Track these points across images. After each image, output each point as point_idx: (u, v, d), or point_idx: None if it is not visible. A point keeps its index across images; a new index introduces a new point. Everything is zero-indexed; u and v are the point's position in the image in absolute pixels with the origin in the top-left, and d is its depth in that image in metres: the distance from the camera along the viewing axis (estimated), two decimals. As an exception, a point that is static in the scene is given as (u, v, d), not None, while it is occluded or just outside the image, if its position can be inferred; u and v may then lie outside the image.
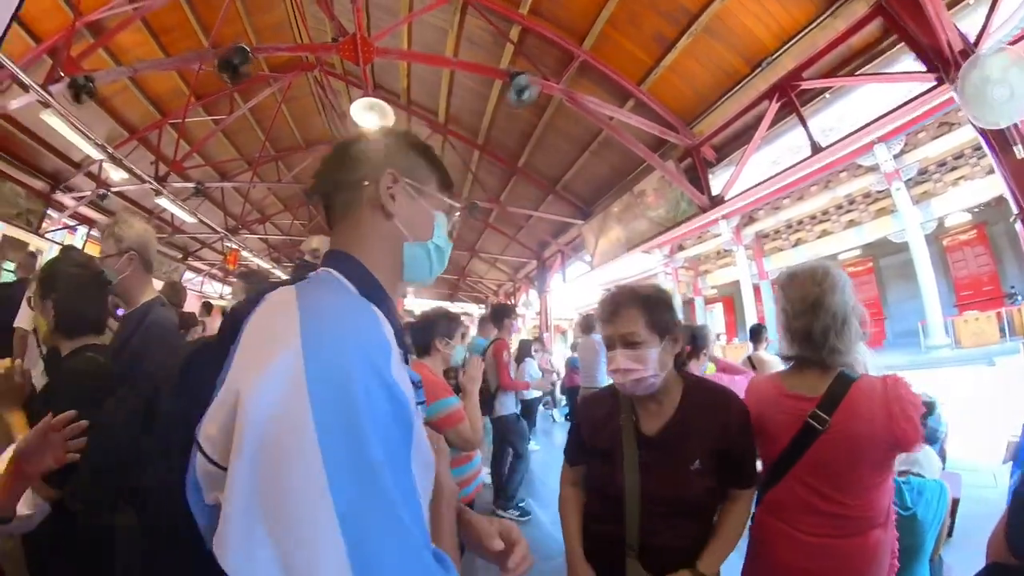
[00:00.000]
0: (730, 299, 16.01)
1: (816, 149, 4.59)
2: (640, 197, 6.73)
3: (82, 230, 8.91)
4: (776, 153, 5.99)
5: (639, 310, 1.31)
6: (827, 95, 4.87)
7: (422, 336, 2.35)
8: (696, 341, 2.92)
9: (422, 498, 0.51)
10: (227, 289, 16.10)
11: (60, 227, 8.29)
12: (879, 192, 10.46)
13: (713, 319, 16.39)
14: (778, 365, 1.72)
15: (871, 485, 1.27)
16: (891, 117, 4.03)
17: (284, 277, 0.89)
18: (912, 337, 10.85)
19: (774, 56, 4.50)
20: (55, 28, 4.95)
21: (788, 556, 1.33)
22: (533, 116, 6.64)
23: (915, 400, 1.22)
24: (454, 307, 20.19)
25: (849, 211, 11.68)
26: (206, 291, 15.19)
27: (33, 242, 7.73)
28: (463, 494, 2.31)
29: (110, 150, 5.82)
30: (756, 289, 12.92)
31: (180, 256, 12.63)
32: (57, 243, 7.82)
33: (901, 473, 2.27)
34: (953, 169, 9.88)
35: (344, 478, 0.43)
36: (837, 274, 1.34)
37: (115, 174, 7.11)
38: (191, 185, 8.12)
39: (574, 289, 12.48)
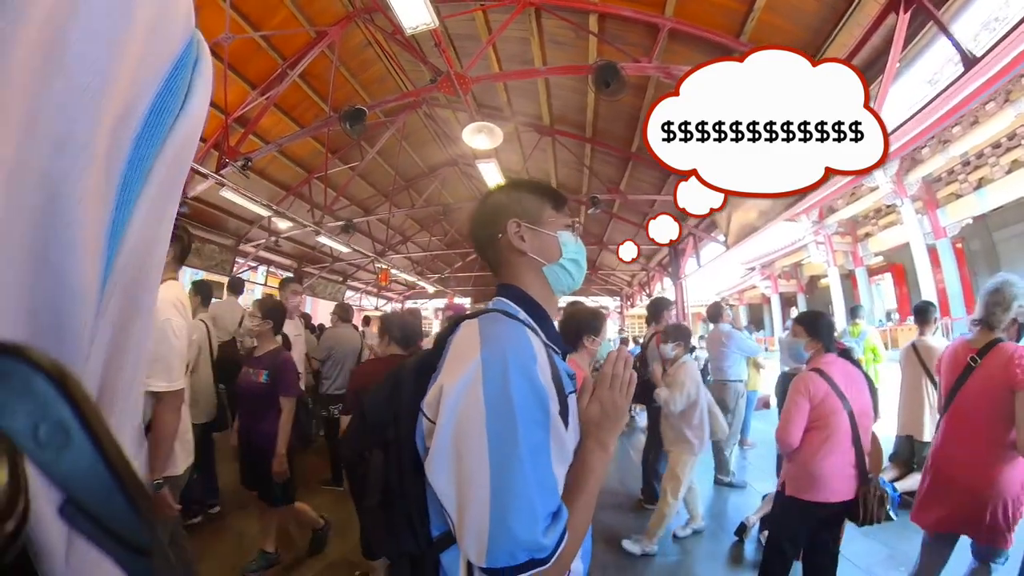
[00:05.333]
0: (900, 267, 13.14)
1: (970, 60, 3.54)
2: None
3: (262, 269, 11.57)
4: (932, 70, 4.71)
5: None
6: (968, -16, 3.70)
7: (572, 334, 2.58)
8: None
9: (554, 459, 0.74)
10: (381, 302, 18.27)
11: (245, 269, 10.70)
12: (1083, 96, 7.60)
13: (880, 295, 13.51)
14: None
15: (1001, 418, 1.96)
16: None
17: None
18: None
19: (889, -49, 3.59)
20: (214, 128, 6.19)
21: (953, 470, 2.09)
22: (635, 99, 6.34)
23: None
24: (588, 302, 19.84)
25: (1046, 129, 8.54)
26: (364, 305, 17.55)
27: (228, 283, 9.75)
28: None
29: (274, 207, 7.13)
30: (932, 252, 10.05)
31: (340, 280, 14.70)
32: (246, 280, 9.86)
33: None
34: None
35: (498, 441, 0.68)
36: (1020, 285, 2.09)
37: (282, 224, 8.68)
38: (342, 223, 9.59)
39: (712, 273, 11.49)
